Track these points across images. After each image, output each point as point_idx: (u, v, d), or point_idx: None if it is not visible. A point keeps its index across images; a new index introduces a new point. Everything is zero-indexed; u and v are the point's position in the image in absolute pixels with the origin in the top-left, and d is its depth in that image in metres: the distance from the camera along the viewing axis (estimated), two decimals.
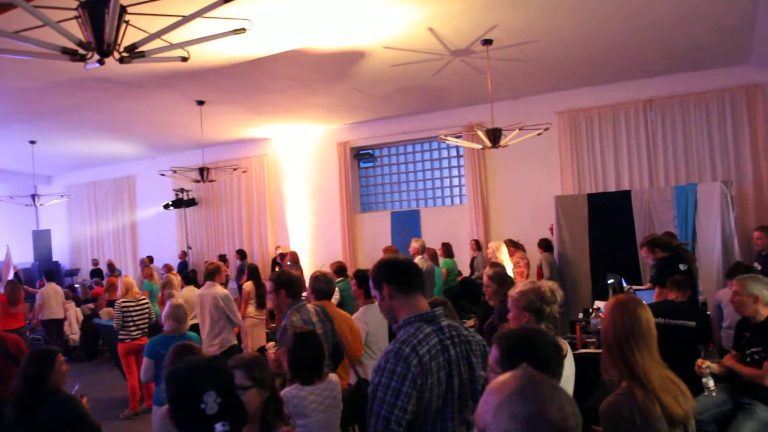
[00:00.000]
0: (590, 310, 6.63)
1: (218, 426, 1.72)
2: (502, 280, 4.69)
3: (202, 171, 10.70)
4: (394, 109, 11.84)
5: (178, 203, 14.84)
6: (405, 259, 2.65)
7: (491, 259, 8.19)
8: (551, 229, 9.70)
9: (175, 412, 1.78)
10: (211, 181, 11.14)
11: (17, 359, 5.12)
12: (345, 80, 9.53)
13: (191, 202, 15.13)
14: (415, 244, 8.82)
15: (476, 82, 9.64)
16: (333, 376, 3.90)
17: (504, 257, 8.31)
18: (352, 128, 13.21)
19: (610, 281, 7.10)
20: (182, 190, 14.95)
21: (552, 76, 9.96)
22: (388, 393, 2.24)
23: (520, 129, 8.20)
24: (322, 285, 4.98)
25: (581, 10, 7.05)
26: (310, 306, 4.53)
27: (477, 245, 11.07)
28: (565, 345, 3.09)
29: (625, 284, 7.26)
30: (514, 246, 9.52)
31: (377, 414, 2.25)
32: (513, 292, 3.27)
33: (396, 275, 2.53)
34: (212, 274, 7.03)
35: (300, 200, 14.17)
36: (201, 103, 10.30)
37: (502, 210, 11.69)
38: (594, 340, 5.69)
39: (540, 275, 9.10)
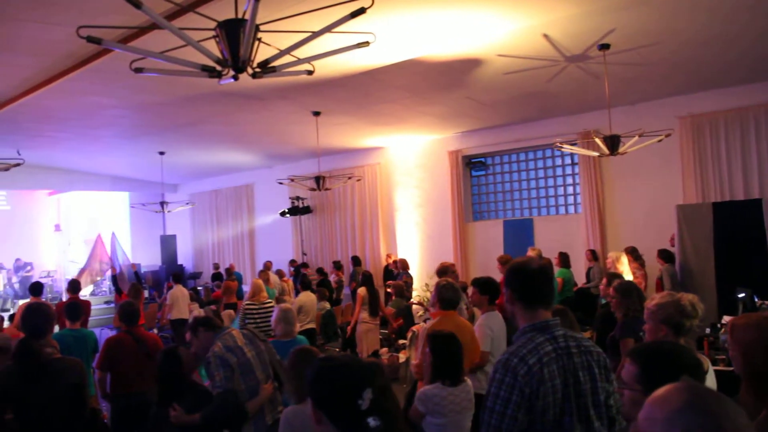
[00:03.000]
0: (718, 325, 6.30)
1: (370, 420, 1.81)
2: (627, 291, 4.53)
3: (318, 179, 11.01)
4: (507, 116, 11.74)
5: (293, 211, 15.36)
6: (537, 270, 2.56)
7: (610, 269, 7.95)
8: (672, 239, 9.30)
9: (328, 406, 1.87)
10: (326, 189, 11.43)
11: (154, 356, 5.51)
12: (458, 89, 9.57)
13: (306, 210, 15.61)
14: (531, 253, 8.71)
15: (592, 88, 9.41)
16: (468, 380, 3.98)
17: (624, 268, 8.04)
18: (463, 137, 13.21)
19: (741, 295, 6.72)
20: (298, 198, 15.46)
21: (673, 79, 9.55)
22: (497, 402, 2.30)
23: (639, 136, 7.93)
24: (449, 294, 5.00)
25: (702, 9, 6.74)
26: (234, 332, 4.55)
27: (593, 255, 10.76)
28: (706, 361, 2.96)
29: (756, 299, 6.84)
30: (632, 255, 9.20)
31: (488, 423, 2.31)
32: (650, 303, 3.12)
33: (521, 286, 2.52)
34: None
35: (411, 208, 14.29)
36: (317, 113, 10.62)
37: (619, 219, 11.30)
38: (723, 357, 5.41)
39: (659, 287, 8.75)
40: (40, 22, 6.02)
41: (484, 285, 5.31)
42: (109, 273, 13.95)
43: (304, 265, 14.67)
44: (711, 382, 2.91)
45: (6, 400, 3.57)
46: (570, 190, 12.41)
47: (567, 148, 9.13)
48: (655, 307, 3.06)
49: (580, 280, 10.85)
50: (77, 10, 5.65)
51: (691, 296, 3.06)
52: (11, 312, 14.38)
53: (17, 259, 19.67)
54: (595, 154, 8.70)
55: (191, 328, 4.52)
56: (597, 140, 8.13)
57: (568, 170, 12.40)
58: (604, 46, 7.61)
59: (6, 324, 9.52)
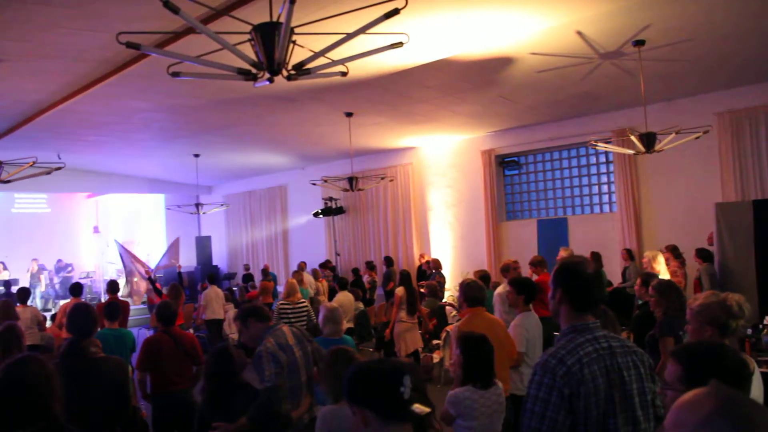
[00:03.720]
0: (760, 326, 6.17)
1: (415, 408, 1.83)
2: (666, 290, 4.47)
3: (351, 180, 11.04)
4: (540, 115, 11.66)
5: (327, 211, 15.43)
6: (592, 276, 2.49)
7: (646, 269, 7.83)
8: (710, 238, 9.13)
9: (372, 401, 1.89)
10: (359, 190, 11.46)
11: (192, 356, 5.60)
12: (490, 88, 9.52)
13: (339, 210, 15.67)
14: (563, 254, 8.63)
15: (627, 85, 9.30)
16: (499, 383, 3.96)
17: (661, 268, 7.92)
18: (496, 136, 13.14)
19: None
20: (331, 198, 15.53)
21: (710, 75, 9.37)
22: (536, 404, 2.29)
23: (676, 133, 7.80)
24: (474, 292, 5.02)
25: (739, 2, 6.61)
26: (285, 328, 4.52)
27: (629, 255, 10.62)
28: (752, 362, 2.90)
29: None
30: (673, 254, 9.05)
31: (528, 425, 2.30)
32: (694, 304, 3.03)
33: (573, 289, 2.47)
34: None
35: (444, 208, 14.27)
36: (349, 114, 10.66)
37: (656, 218, 11.14)
38: (766, 358, 5.30)
39: (698, 287, 8.60)
40: (80, 29, 6.15)
41: (521, 285, 5.34)
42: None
43: (326, 266, 14.78)
44: (757, 383, 2.85)
45: None
46: (605, 188, 12.27)
47: (602, 147, 9.02)
48: (699, 307, 2.97)
49: (615, 279, 10.73)
50: (116, 17, 5.76)
51: (737, 296, 2.96)
52: (52, 312, 14.71)
53: (59, 260, 20.14)
54: (631, 152, 8.59)
55: (241, 318, 4.49)
56: (632, 138, 8.02)
57: (603, 168, 12.25)
58: (639, 42, 7.51)
59: (48, 324, 9.77)
